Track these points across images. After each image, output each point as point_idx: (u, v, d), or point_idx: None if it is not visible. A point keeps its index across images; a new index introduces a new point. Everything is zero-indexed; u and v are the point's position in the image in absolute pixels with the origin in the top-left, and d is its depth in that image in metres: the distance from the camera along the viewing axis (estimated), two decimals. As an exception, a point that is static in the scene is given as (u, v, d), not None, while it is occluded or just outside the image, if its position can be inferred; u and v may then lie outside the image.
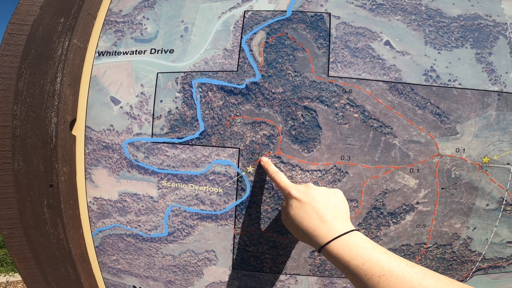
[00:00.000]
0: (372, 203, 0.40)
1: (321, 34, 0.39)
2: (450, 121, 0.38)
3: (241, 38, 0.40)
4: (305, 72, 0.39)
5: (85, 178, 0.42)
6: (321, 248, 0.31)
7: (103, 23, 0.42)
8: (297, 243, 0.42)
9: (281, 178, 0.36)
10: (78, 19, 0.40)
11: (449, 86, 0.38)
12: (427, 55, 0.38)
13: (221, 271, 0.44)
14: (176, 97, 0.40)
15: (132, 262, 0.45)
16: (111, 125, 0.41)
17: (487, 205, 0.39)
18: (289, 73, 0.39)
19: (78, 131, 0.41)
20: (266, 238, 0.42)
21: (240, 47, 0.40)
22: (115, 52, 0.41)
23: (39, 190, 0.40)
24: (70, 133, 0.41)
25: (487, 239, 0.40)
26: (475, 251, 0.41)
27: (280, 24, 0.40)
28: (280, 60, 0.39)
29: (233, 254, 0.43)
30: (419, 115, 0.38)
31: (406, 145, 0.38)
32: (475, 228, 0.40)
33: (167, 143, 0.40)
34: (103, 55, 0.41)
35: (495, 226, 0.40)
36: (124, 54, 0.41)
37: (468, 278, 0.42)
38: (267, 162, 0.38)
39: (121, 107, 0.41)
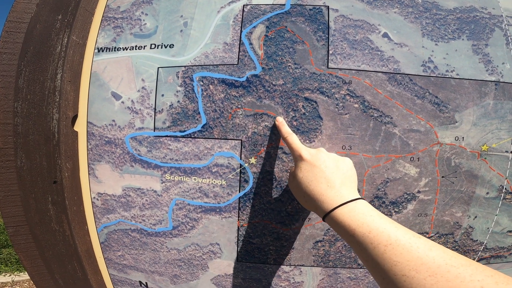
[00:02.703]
0: (374, 192, 0.39)
1: (320, 27, 0.38)
2: (448, 110, 0.37)
3: (241, 32, 0.39)
4: (305, 64, 0.38)
5: (89, 174, 0.41)
6: (327, 215, 0.29)
7: (102, 20, 0.41)
8: (301, 234, 0.41)
9: (294, 139, 0.35)
10: (76, 16, 0.39)
11: (447, 76, 0.37)
12: (425, 47, 0.38)
13: (226, 263, 0.43)
14: (177, 91, 0.39)
15: (137, 257, 0.44)
16: (113, 120, 0.40)
17: (487, 193, 0.39)
18: (289, 66, 0.38)
19: (80, 127, 0.40)
20: (270, 230, 0.41)
21: (240, 40, 0.39)
22: (115, 48, 0.40)
23: (43, 187, 0.39)
24: (72, 129, 0.39)
25: (488, 228, 0.40)
26: (477, 240, 0.40)
27: (279, 18, 0.39)
28: (280, 53, 0.38)
29: (237, 247, 0.42)
30: (418, 105, 0.37)
31: (406, 134, 0.37)
32: (476, 217, 0.39)
33: (170, 136, 0.39)
34: (102, 51, 0.40)
35: (496, 215, 0.39)
36: (123, 49, 0.40)
37: None
38: (281, 122, 0.37)
39: (122, 102, 0.40)
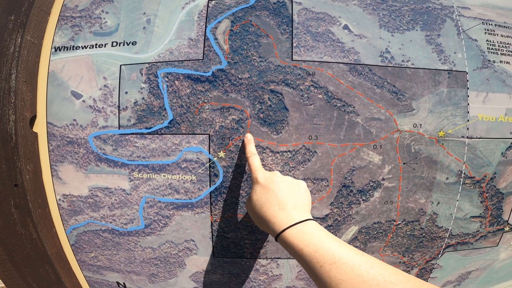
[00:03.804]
0: (341, 181, 0.40)
1: (284, 20, 0.38)
2: (406, 99, 0.38)
3: (206, 27, 0.38)
4: (270, 57, 0.38)
5: (52, 176, 0.39)
6: (278, 236, 0.30)
7: (58, 19, 0.39)
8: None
9: (254, 161, 0.35)
10: (30, 16, 0.37)
11: (403, 66, 0.38)
12: (382, 38, 0.38)
13: (203, 260, 0.43)
14: (141, 88, 0.38)
15: (111, 257, 0.43)
16: (74, 120, 0.38)
17: (447, 178, 0.40)
18: (254, 59, 0.38)
19: (40, 127, 0.38)
20: (244, 224, 0.41)
21: (205, 36, 0.38)
22: (73, 46, 0.38)
23: (4, 190, 0.37)
24: (31, 130, 0.37)
25: (451, 214, 0.41)
26: (442, 226, 0.42)
27: (244, 12, 0.38)
28: (245, 47, 0.38)
29: (212, 242, 0.41)
30: (377, 94, 0.38)
31: (368, 123, 0.38)
32: (438, 203, 0.41)
33: (136, 134, 0.38)
34: (60, 50, 0.38)
35: (457, 200, 0.41)
36: (83, 48, 0.38)
37: (440, 255, 0.43)
38: (249, 140, 0.37)
39: (83, 101, 0.38)
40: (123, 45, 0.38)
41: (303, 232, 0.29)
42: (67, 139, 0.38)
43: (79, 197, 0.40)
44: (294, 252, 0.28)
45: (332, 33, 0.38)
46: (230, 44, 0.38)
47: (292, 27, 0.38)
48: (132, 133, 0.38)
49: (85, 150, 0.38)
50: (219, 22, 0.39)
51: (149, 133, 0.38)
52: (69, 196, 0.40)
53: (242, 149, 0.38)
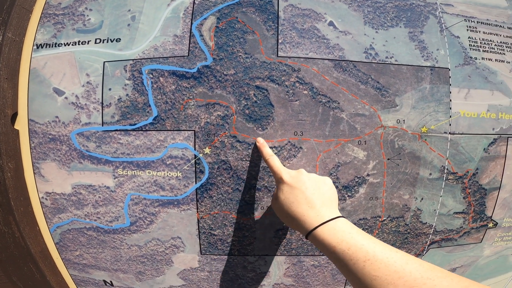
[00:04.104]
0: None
1: (270, 17, 0.38)
2: (389, 95, 0.39)
3: (191, 24, 0.38)
4: (255, 54, 0.38)
5: (34, 173, 0.38)
6: (308, 234, 0.30)
7: (41, 17, 0.38)
8: (261, 223, 0.41)
9: (275, 161, 0.35)
10: (12, 14, 0.36)
11: (387, 62, 0.39)
12: (366, 34, 0.39)
13: (190, 257, 0.43)
14: (125, 85, 0.37)
15: (97, 256, 0.42)
16: (56, 117, 0.37)
17: (430, 174, 0.41)
18: (240, 55, 0.38)
19: (21, 125, 0.37)
20: (230, 220, 0.41)
21: (190, 32, 0.38)
22: (55, 43, 0.38)
23: (-15, 190, 0.36)
24: (12, 127, 0.37)
25: (435, 210, 0.42)
26: (426, 223, 0.42)
27: (230, 9, 0.38)
28: (231, 43, 0.38)
29: (199, 239, 0.41)
30: (362, 90, 0.38)
31: (352, 118, 0.39)
32: (422, 198, 0.41)
33: (120, 130, 0.38)
34: (42, 47, 0.38)
35: (440, 196, 0.41)
36: (65, 45, 0.37)
37: (425, 251, 0.43)
38: (262, 144, 0.37)
39: (65, 97, 0.37)
40: (107, 42, 0.37)
41: (335, 229, 0.28)
42: (49, 136, 0.38)
43: (62, 194, 0.39)
44: (326, 250, 0.28)
45: (317, 30, 0.39)
46: (215, 41, 0.38)
47: (278, 24, 0.38)
48: (116, 130, 0.38)
49: (67, 147, 0.38)
50: (205, 18, 0.38)
51: (133, 130, 0.38)
52: (52, 194, 0.39)
53: (229, 146, 0.38)
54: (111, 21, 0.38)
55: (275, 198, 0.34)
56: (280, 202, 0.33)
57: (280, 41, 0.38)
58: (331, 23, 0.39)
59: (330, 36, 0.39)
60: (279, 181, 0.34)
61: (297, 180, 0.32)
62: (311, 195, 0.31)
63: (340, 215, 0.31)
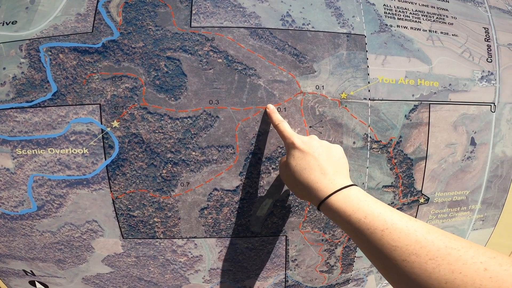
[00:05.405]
0: (248, 148, 0.38)
1: (184, -12, 0.37)
2: (307, 61, 0.38)
3: (98, 2, 0.35)
4: (167, 26, 0.36)
5: None
6: (321, 203, 0.28)
7: None
8: (183, 202, 0.38)
9: (285, 127, 0.33)
10: None
11: (304, 29, 0.38)
12: (283, 2, 0.38)
13: (112, 242, 0.39)
14: (21, 63, 0.34)
15: (9, 244, 0.38)
16: None
17: (354, 143, 0.40)
18: (150, 28, 0.36)
19: None
20: (149, 199, 0.38)
21: (96, 10, 0.35)
22: None
23: None
24: None
25: (363, 183, 0.41)
26: None
27: (142, -18, 0.36)
28: (140, 17, 0.36)
29: (118, 222, 0.38)
30: (279, 56, 0.37)
31: (270, 85, 0.37)
32: (349, 170, 0.39)
33: (15, 108, 0.34)
34: None
35: (367, 167, 0.40)
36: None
37: None
38: (272, 110, 0.36)
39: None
40: (2, 25, 0.35)
41: (350, 197, 0.26)
42: None
43: (-50, 178, 0.35)
44: (341, 219, 0.26)
45: (232, -2, 0.37)
46: (124, 16, 0.36)
47: (192, -6, 0.37)
48: (12, 108, 0.34)
49: (-47, 124, 0.34)
50: (114, -6, 0.36)
51: (30, 107, 0.34)
52: None
53: (139, 118, 0.35)
54: (8, 6, 0.35)
55: (284, 165, 0.32)
56: (291, 169, 0.31)
57: (193, 12, 0.36)
58: (247, -8, 0.38)
59: (246, 5, 0.37)
60: (290, 146, 0.32)
61: (309, 146, 0.31)
62: (324, 161, 0.30)
63: (354, 183, 0.29)
